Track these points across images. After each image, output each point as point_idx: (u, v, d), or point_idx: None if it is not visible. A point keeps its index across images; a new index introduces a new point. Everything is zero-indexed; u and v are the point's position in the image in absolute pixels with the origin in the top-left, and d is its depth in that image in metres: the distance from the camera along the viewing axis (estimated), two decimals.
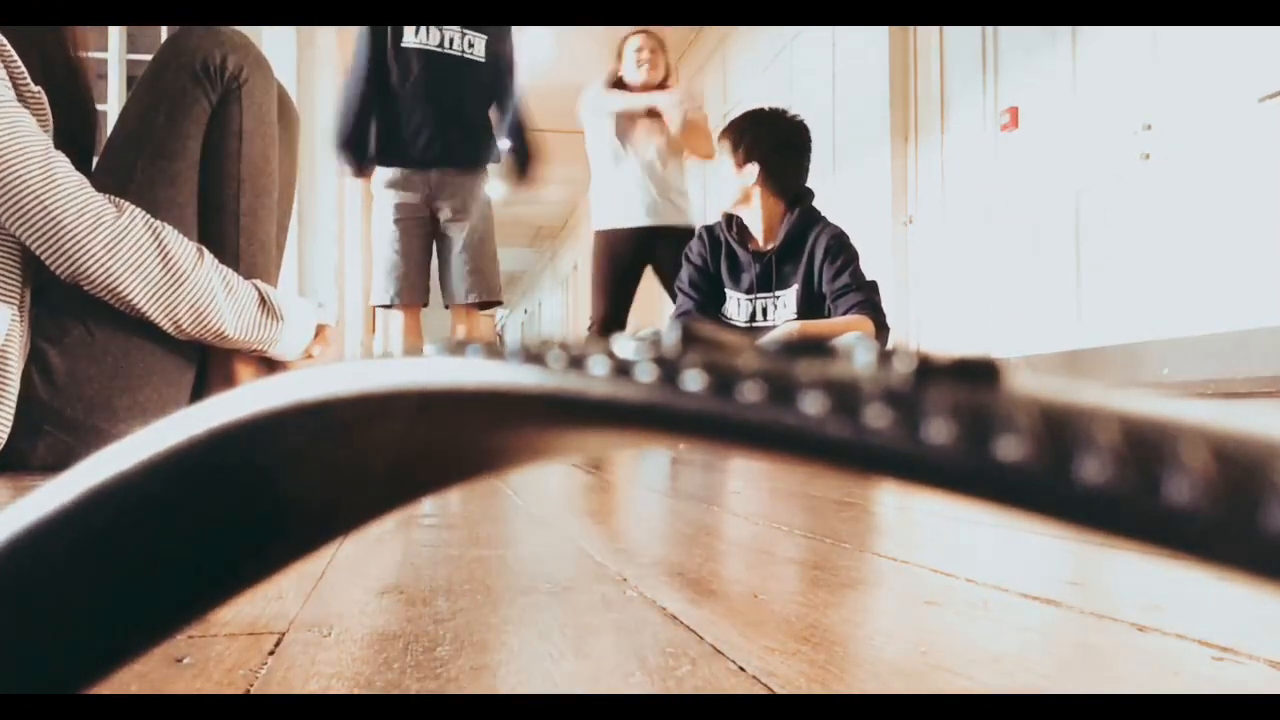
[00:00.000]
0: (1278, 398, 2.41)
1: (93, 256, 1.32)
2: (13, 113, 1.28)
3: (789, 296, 2.35)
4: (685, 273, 2.46)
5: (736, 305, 2.41)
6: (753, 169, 2.32)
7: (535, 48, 6.45)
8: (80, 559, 0.19)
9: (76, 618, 0.20)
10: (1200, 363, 2.75)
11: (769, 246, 2.36)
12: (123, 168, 1.47)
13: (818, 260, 2.30)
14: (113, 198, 1.37)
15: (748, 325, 2.40)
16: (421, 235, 2.70)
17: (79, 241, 1.31)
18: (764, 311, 2.39)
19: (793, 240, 2.33)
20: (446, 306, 2.78)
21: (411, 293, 2.69)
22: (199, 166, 1.49)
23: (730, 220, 2.43)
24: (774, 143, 2.36)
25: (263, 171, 1.53)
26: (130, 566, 0.20)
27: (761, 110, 2.43)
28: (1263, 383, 2.51)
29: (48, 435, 1.37)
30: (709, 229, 2.48)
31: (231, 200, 1.50)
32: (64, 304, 1.39)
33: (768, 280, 2.36)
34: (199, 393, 1.52)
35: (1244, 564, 0.09)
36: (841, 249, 2.29)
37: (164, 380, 1.45)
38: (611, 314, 3.05)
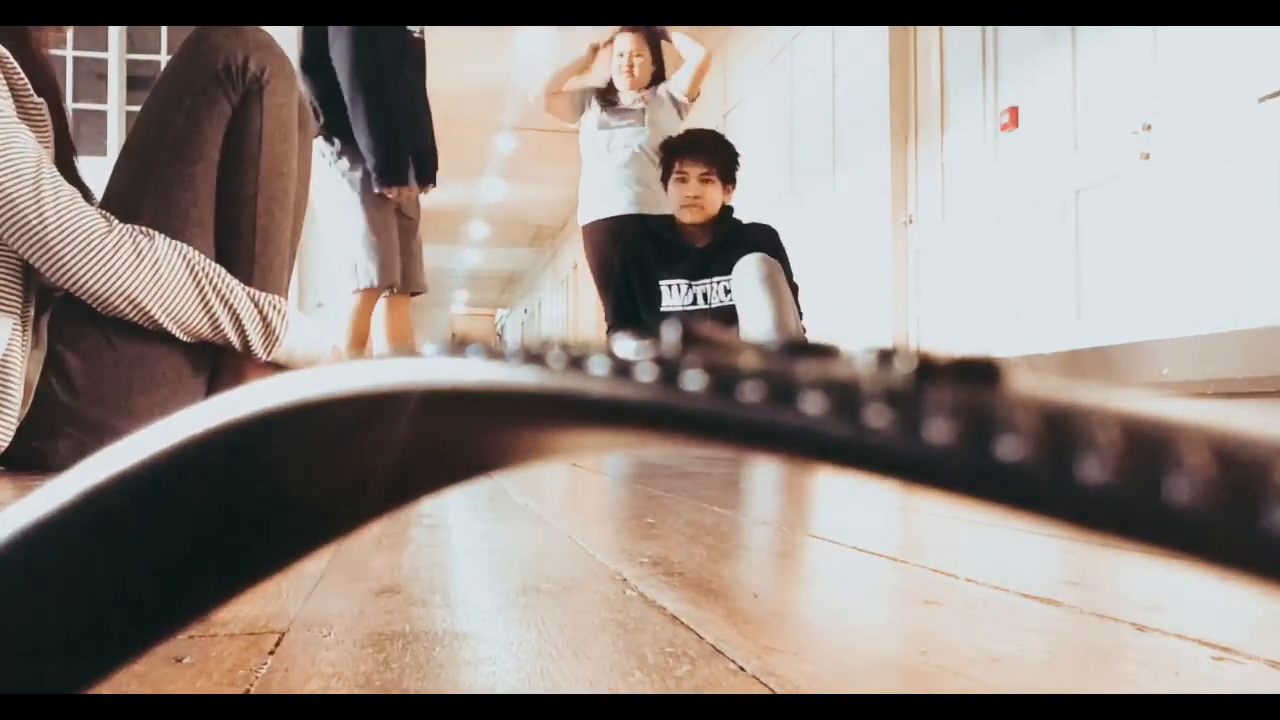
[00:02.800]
0: (1278, 398, 2.41)
1: (81, 273, 1.33)
2: (9, 128, 1.29)
3: (728, 283, 2.57)
4: (611, 310, 2.67)
5: (676, 291, 2.59)
6: (732, 189, 2.67)
7: (535, 47, 6.45)
8: (80, 559, 0.19)
9: (76, 618, 0.20)
10: (1200, 363, 2.75)
11: (702, 245, 2.60)
12: (141, 169, 1.48)
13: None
14: (104, 213, 1.38)
15: (689, 309, 2.59)
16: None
17: (66, 259, 1.32)
18: (705, 296, 2.58)
19: (727, 238, 2.57)
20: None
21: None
22: (217, 168, 1.49)
23: (671, 223, 2.65)
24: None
25: (281, 174, 1.53)
26: (130, 566, 0.20)
27: (718, 134, 2.77)
28: (1263, 382, 2.51)
29: (68, 436, 1.39)
30: (628, 247, 2.67)
31: (249, 203, 1.50)
32: (80, 309, 1.40)
33: (707, 268, 2.56)
34: (212, 395, 1.53)
35: (1244, 564, 0.09)
36: (778, 246, 2.56)
37: (179, 382, 1.46)
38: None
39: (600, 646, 0.43)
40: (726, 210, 2.63)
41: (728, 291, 2.51)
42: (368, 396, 0.16)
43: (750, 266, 2.38)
